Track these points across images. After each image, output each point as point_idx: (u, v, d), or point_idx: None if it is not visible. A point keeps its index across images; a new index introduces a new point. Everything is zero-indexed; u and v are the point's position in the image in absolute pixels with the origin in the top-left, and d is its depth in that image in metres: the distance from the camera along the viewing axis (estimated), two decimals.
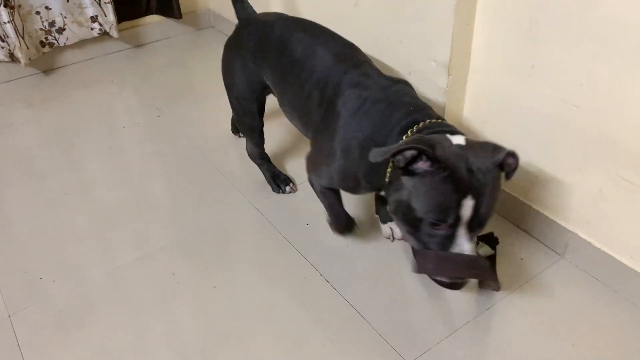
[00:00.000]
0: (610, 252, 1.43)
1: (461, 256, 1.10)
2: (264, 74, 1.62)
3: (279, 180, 1.84)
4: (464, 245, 1.10)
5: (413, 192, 1.12)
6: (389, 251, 1.60)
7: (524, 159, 1.50)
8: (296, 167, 1.94)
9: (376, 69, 1.43)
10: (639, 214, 1.32)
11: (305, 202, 1.78)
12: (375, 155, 1.12)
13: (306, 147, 1.52)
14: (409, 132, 1.21)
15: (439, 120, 1.24)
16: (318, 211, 1.67)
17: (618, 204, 1.35)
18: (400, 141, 1.18)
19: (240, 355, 1.32)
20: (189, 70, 2.68)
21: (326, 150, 1.38)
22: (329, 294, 1.47)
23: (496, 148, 1.13)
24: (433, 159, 1.07)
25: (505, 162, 1.12)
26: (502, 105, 1.53)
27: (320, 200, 1.55)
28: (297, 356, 1.31)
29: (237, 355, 1.32)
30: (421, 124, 1.22)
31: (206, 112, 2.30)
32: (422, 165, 1.10)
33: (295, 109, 1.55)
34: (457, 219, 1.08)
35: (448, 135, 1.14)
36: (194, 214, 1.76)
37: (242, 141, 1.94)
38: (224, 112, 2.00)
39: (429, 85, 1.62)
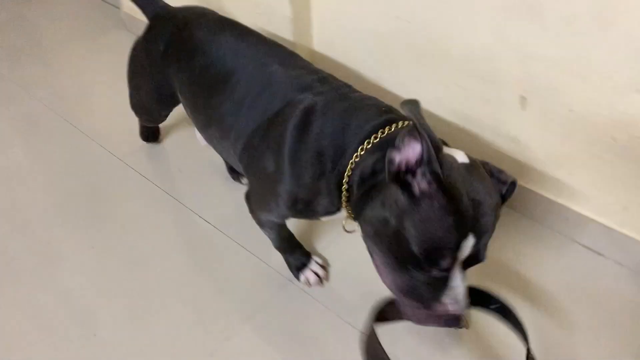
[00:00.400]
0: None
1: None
2: (175, 82, 1.39)
3: (146, 133, 1.82)
4: (456, 288, 0.89)
5: (407, 215, 0.86)
6: None
7: (372, 75, 1.62)
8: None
9: (334, 77, 1.20)
10: None
11: (174, 148, 1.79)
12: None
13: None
14: (372, 138, 0.98)
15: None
16: (187, 155, 1.69)
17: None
18: (359, 150, 0.99)
19: (129, 309, 1.36)
20: (34, 27, 2.49)
21: (271, 175, 1.12)
22: (210, 233, 1.53)
23: (500, 174, 0.94)
24: (439, 179, 0.83)
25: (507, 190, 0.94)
26: (346, 27, 1.59)
27: (272, 240, 1.36)
28: (188, 299, 1.37)
29: (124, 310, 1.36)
30: (399, 124, 0.99)
31: (57, 71, 2.18)
32: (420, 181, 0.85)
33: (221, 131, 1.26)
34: (453, 261, 0.87)
35: (445, 148, 0.90)
36: (62, 178, 1.71)
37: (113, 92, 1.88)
38: (78, 68, 1.91)
39: (277, 20, 1.65)
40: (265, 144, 1.12)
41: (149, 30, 1.45)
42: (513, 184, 0.95)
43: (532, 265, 1.42)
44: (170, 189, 1.66)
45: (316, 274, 1.38)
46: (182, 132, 1.85)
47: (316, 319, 1.31)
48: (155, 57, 1.39)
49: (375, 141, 0.98)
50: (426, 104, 1.44)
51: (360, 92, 1.16)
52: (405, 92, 1.56)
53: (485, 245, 0.89)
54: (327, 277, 1.39)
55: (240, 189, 1.62)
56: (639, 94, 1.14)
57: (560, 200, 1.45)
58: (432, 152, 0.81)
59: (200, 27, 1.32)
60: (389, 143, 0.89)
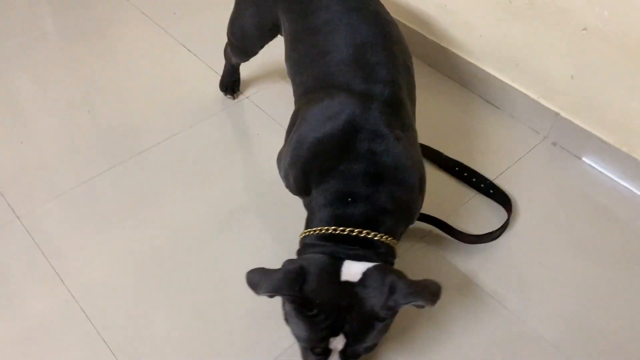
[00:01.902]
0: None
1: None
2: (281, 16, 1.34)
3: (227, 83, 1.74)
4: None
5: (288, 312, 1.00)
6: None
7: None
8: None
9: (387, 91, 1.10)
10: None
11: None
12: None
13: None
14: (311, 232, 1.04)
15: (350, 234, 1.01)
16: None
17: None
18: (302, 237, 1.07)
19: None
20: None
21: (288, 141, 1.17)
22: None
23: (392, 291, 0.94)
24: (295, 301, 0.94)
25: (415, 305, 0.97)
26: None
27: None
28: None
29: None
30: (333, 231, 1.02)
31: None
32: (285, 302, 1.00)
33: (296, 74, 1.26)
34: (327, 351, 1.00)
35: (347, 263, 0.98)
36: None
37: None
38: None
39: None
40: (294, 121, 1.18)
41: None
42: (425, 302, 0.95)
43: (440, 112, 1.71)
44: None
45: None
46: None
47: None
48: None
49: (312, 233, 1.04)
50: None
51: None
52: None
53: (363, 346, 0.99)
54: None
55: None
56: None
57: (471, 60, 1.73)
58: (279, 292, 0.93)
59: None
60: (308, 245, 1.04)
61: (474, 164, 1.55)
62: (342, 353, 1.00)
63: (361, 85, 1.09)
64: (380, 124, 1.05)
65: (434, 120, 1.69)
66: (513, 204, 1.46)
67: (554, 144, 1.63)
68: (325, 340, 0.97)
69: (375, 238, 1.01)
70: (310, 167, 1.07)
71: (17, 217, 1.43)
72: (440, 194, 1.50)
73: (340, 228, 1.01)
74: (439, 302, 0.94)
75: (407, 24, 1.84)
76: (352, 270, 0.97)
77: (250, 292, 0.94)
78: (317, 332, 0.96)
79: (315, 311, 0.94)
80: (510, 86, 1.66)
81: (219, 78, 1.76)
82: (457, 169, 1.53)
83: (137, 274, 1.33)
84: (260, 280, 0.93)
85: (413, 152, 1.10)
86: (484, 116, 1.72)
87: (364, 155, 1.03)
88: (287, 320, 1.02)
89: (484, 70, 1.71)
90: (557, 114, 1.59)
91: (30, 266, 1.33)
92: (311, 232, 1.04)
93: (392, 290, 0.94)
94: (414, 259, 1.35)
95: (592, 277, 1.34)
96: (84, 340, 1.21)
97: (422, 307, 0.95)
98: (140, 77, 1.83)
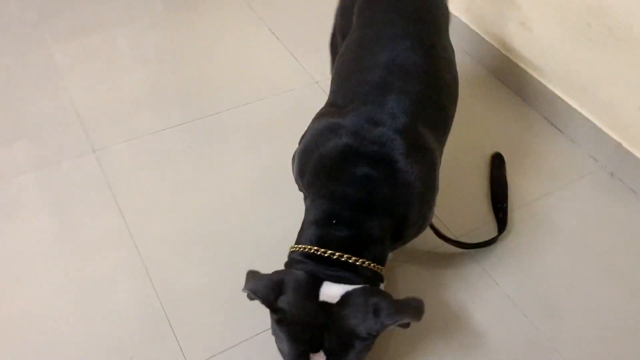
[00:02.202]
0: None
1: None
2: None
3: None
4: None
5: (272, 325, 1.03)
6: None
7: None
8: None
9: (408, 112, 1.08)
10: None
11: None
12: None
13: None
14: (297, 248, 1.05)
15: (331, 256, 1.01)
16: None
17: None
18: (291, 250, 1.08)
19: None
20: None
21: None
22: None
23: (376, 313, 0.96)
24: (272, 310, 0.98)
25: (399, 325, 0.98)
26: None
27: None
28: None
29: None
30: (315, 251, 1.02)
31: None
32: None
33: (332, 83, 1.26)
34: None
35: (327, 284, 0.99)
36: None
37: None
38: None
39: None
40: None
41: None
42: (404, 322, 0.98)
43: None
44: None
45: None
46: None
47: None
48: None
49: (297, 249, 1.05)
50: None
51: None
52: None
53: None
54: None
55: None
56: None
57: (540, 79, 1.74)
58: (256, 294, 0.97)
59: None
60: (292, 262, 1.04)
61: (522, 180, 1.57)
62: None
63: (376, 111, 1.07)
64: (385, 152, 1.03)
65: (491, 132, 1.72)
66: (548, 229, 1.46)
67: (612, 174, 1.61)
68: (305, 355, 0.97)
69: (357, 263, 1.01)
70: (308, 180, 1.10)
71: (93, 151, 1.59)
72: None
73: (322, 250, 1.01)
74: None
75: (485, 37, 1.88)
76: (331, 291, 0.98)
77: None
78: (296, 346, 0.97)
79: (290, 327, 0.96)
80: (576, 110, 1.66)
81: (294, 61, 1.88)
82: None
83: (190, 223, 1.45)
84: (250, 279, 1.00)
85: (417, 184, 1.05)
86: (543, 136, 1.72)
87: (358, 180, 1.03)
88: (273, 334, 1.03)
89: (551, 91, 1.71)
90: (619, 145, 1.57)
91: (96, 195, 1.49)
92: (297, 249, 1.05)
93: (376, 312, 0.95)
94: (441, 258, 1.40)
95: (624, 310, 1.32)
96: (130, 268, 1.34)
97: (407, 326, 0.97)
98: (224, 49, 1.98)
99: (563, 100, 1.69)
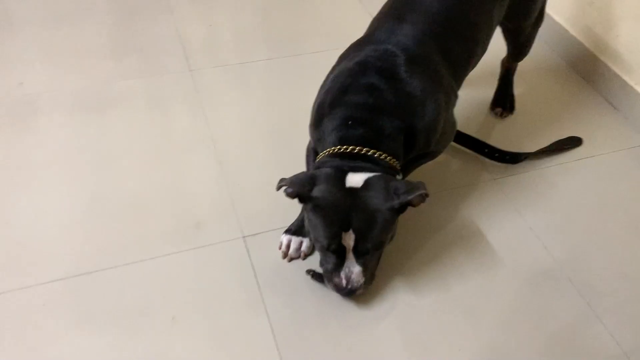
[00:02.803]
0: None
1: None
2: None
3: None
4: (351, 268, 1.19)
5: (307, 217, 1.21)
6: None
7: None
8: None
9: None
10: None
11: None
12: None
13: None
14: (324, 153, 1.24)
15: (352, 151, 1.20)
16: None
17: None
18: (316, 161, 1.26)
19: None
20: None
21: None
22: None
23: (395, 192, 1.15)
24: (306, 200, 1.16)
25: (410, 202, 1.16)
26: None
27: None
28: None
29: None
30: (338, 150, 1.21)
31: None
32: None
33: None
34: (341, 248, 1.17)
35: (351, 174, 1.17)
36: None
37: None
38: None
39: None
40: None
41: None
42: (417, 197, 1.15)
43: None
44: None
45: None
46: None
47: None
48: None
49: (323, 154, 1.24)
50: None
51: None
52: None
53: (370, 242, 1.16)
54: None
55: None
56: None
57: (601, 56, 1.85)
58: (295, 195, 1.16)
59: None
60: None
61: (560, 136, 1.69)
62: (354, 250, 1.17)
63: (388, 35, 1.29)
64: (390, 67, 1.23)
65: (539, 97, 1.86)
66: (581, 183, 1.58)
67: None
68: (337, 236, 1.15)
69: (375, 155, 1.20)
70: (325, 98, 1.28)
71: (190, 70, 1.87)
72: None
73: (344, 147, 1.20)
74: None
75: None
76: (355, 179, 1.17)
77: None
78: (330, 228, 1.15)
79: (324, 210, 1.15)
80: (631, 87, 1.75)
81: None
82: (496, 155, 1.60)
83: (261, 135, 1.69)
84: (283, 180, 1.18)
85: (417, 94, 1.24)
86: (595, 109, 1.83)
87: (366, 89, 1.22)
88: (308, 228, 1.23)
89: (608, 67, 1.82)
90: None
91: (188, 105, 1.76)
92: (323, 154, 1.24)
93: (395, 191, 1.15)
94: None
95: None
96: (207, 165, 1.58)
97: (423, 200, 1.16)
98: (312, 4, 2.24)
99: (620, 77, 1.79)
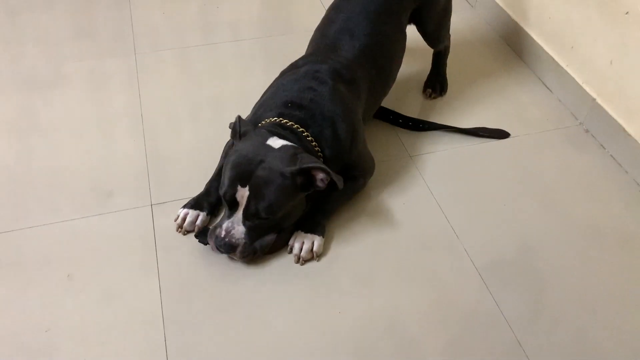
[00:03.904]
0: None
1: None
2: None
3: None
4: (235, 224, 1.26)
5: (226, 151, 1.45)
6: None
7: None
8: None
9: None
10: None
11: None
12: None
13: None
14: (264, 122, 1.37)
15: (286, 123, 1.34)
16: None
17: None
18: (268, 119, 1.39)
19: None
20: None
21: None
22: None
23: (300, 160, 1.24)
24: (234, 138, 1.32)
25: (313, 177, 1.25)
26: None
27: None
28: None
29: None
30: (275, 120, 1.36)
31: None
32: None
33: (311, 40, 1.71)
34: (235, 202, 1.25)
35: (275, 138, 1.29)
36: None
37: None
38: None
39: None
40: None
41: None
42: (312, 169, 1.24)
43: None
44: None
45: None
46: None
47: None
48: None
49: (264, 123, 1.39)
50: None
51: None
52: None
53: (262, 205, 1.22)
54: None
55: None
56: None
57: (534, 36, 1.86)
58: (233, 130, 1.32)
59: None
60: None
61: (498, 122, 1.70)
62: (245, 209, 1.24)
63: (326, 53, 1.50)
64: (322, 76, 1.41)
65: (478, 79, 1.86)
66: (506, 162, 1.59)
67: (587, 131, 1.67)
68: (235, 186, 1.23)
69: (303, 134, 1.33)
70: (269, 93, 1.47)
71: (135, 53, 1.93)
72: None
73: (284, 120, 1.35)
74: None
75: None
76: (276, 142, 1.28)
77: None
78: (233, 175, 1.24)
79: (235, 158, 1.25)
80: (563, 69, 1.74)
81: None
82: (410, 123, 1.69)
83: (192, 120, 1.75)
84: (239, 119, 1.33)
85: (340, 105, 1.39)
86: (530, 90, 1.83)
87: (306, 88, 1.40)
88: (223, 169, 1.31)
89: (543, 49, 1.81)
90: (594, 100, 1.63)
91: (125, 85, 1.82)
92: (266, 121, 1.38)
93: (300, 160, 1.24)
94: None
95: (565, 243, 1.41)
96: (133, 129, 1.65)
97: (324, 176, 1.23)
98: None
99: (553, 59, 1.78)
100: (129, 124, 1.67)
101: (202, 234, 1.33)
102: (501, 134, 1.67)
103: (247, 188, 1.22)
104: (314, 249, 1.33)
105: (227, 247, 1.25)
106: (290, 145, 1.27)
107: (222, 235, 1.25)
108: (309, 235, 1.34)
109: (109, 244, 1.34)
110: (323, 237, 1.36)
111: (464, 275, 1.31)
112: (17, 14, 2.13)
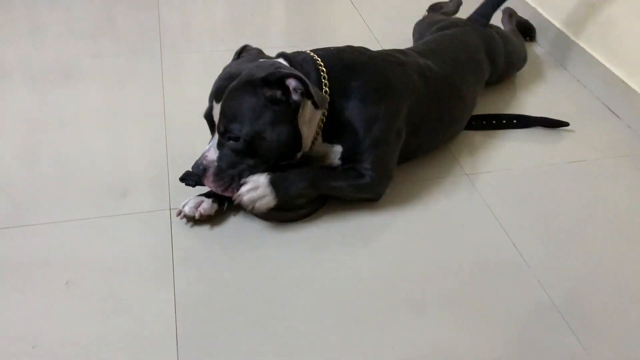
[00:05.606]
0: None
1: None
2: None
3: None
4: (211, 148, 1.14)
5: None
6: None
7: None
8: None
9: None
10: None
11: None
12: None
13: None
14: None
15: (313, 57, 1.21)
16: None
17: None
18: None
19: None
20: None
21: None
22: None
23: (273, 72, 1.09)
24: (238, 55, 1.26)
25: (288, 89, 1.10)
26: None
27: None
28: None
29: None
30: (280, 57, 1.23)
31: None
32: None
33: None
34: (213, 123, 1.14)
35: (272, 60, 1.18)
36: None
37: None
38: None
39: None
40: None
41: None
42: (283, 76, 1.10)
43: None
44: None
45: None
46: None
47: None
48: None
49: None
50: None
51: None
52: None
53: (227, 116, 1.10)
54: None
55: None
56: None
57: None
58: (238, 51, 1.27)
59: None
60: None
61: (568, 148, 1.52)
62: (218, 128, 1.12)
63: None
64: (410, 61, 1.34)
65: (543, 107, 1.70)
66: None
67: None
68: (210, 102, 1.14)
69: (320, 68, 1.19)
70: None
71: (161, 53, 1.79)
72: None
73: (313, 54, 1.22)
74: None
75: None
76: (269, 61, 1.17)
77: None
78: (212, 90, 1.15)
79: (223, 72, 1.17)
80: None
81: (368, 32, 2.00)
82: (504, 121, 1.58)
83: None
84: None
85: (391, 85, 1.24)
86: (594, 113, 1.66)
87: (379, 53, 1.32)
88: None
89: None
90: None
91: (149, 83, 1.68)
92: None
93: (278, 68, 1.11)
94: None
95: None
96: (151, 136, 1.49)
97: (303, 90, 1.08)
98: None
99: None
100: (152, 123, 1.51)
101: (188, 176, 1.19)
102: (561, 123, 1.57)
103: (220, 104, 1.11)
104: (256, 204, 1.12)
105: (198, 169, 1.14)
106: (275, 61, 1.16)
107: (198, 159, 1.15)
108: (264, 186, 1.12)
109: (118, 249, 1.14)
110: (276, 200, 1.13)
111: (541, 312, 1.08)
112: (46, 8, 2.03)
